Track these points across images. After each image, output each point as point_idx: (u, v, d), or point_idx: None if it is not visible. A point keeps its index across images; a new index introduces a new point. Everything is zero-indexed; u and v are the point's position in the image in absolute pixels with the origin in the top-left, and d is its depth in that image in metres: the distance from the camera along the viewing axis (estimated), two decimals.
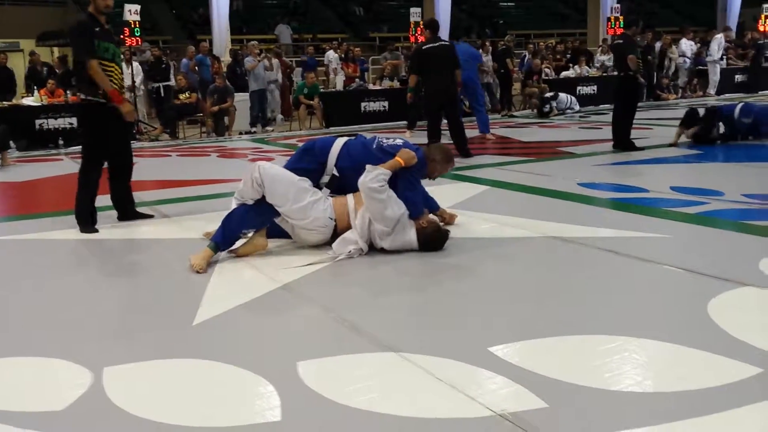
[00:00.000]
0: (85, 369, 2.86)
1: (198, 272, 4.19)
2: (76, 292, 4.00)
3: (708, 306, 3.36)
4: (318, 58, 17.28)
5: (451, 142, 8.79)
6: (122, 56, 5.45)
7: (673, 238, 4.74)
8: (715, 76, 17.43)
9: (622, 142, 8.87)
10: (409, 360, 2.86)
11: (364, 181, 4.37)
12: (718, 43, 17.26)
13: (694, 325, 3.16)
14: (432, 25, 9.32)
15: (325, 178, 4.64)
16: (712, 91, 17.33)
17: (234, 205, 4.56)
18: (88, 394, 2.66)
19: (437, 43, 9.01)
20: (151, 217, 5.75)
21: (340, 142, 4.69)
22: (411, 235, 4.44)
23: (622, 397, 2.53)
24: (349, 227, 4.48)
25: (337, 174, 4.58)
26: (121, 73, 5.55)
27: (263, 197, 4.42)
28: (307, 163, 4.72)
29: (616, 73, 9.57)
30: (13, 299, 3.93)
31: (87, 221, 5.37)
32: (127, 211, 5.71)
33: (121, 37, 13.54)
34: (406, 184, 4.53)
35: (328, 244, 4.51)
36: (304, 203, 4.41)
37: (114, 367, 2.88)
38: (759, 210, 5.39)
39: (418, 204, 4.58)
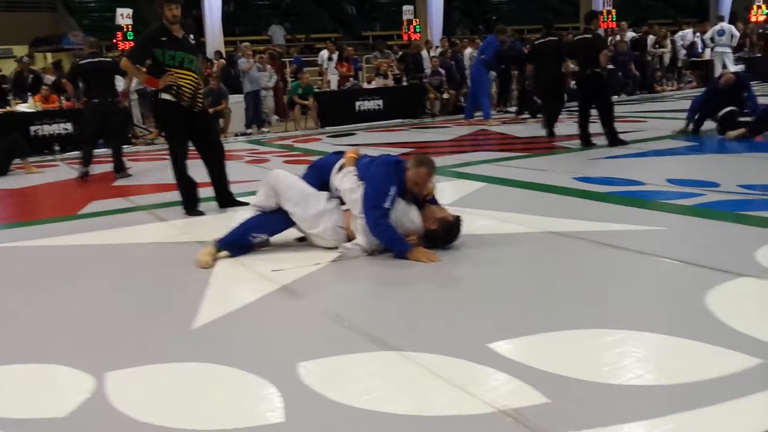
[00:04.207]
0: (88, 374, 2.86)
1: (204, 268, 4.29)
2: (76, 297, 4.00)
3: (706, 297, 3.37)
4: (311, 58, 17.28)
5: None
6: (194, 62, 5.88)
7: (669, 230, 4.76)
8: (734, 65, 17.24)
9: (613, 137, 8.72)
10: (410, 358, 2.87)
11: (342, 188, 4.48)
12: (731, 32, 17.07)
13: (692, 317, 3.17)
14: (544, 23, 11.91)
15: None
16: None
17: (250, 215, 4.65)
18: (90, 399, 2.67)
19: (546, 39, 10.68)
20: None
21: (336, 167, 4.64)
22: (416, 221, 4.43)
23: (623, 390, 2.54)
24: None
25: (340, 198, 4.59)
26: (196, 78, 5.90)
27: (279, 208, 4.49)
28: (313, 177, 4.72)
29: (577, 69, 9.21)
30: (13, 306, 3.92)
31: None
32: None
33: (114, 41, 13.55)
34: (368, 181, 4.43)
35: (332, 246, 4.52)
36: (314, 212, 4.46)
37: (116, 371, 2.88)
38: (755, 200, 5.40)
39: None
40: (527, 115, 12.80)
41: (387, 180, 4.38)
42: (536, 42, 11.05)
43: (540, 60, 10.71)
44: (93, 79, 8.68)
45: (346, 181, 4.49)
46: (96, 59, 8.75)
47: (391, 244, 4.34)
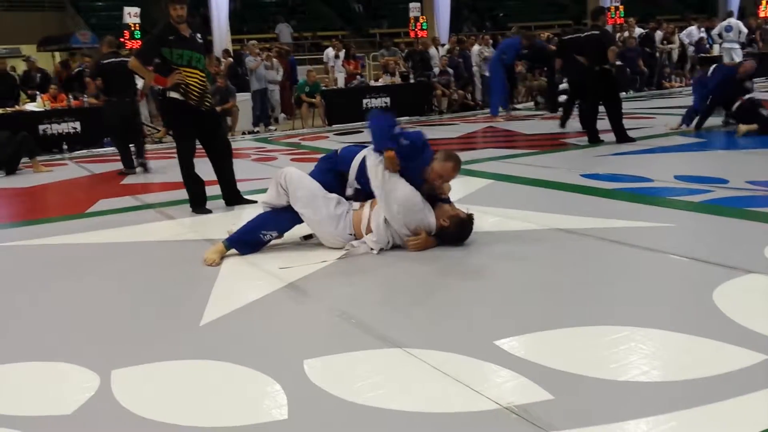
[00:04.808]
0: (93, 372, 2.87)
1: (210, 265, 4.30)
2: (83, 295, 4.01)
3: (713, 294, 3.35)
4: (318, 56, 17.27)
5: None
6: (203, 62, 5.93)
7: (677, 227, 4.73)
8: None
9: (621, 134, 8.67)
10: (415, 355, 2.86)
11: (369, 164, 4.48)
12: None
13: (699, 314, 3.16)
14: (573, 19, 12.18)
15: (349, 191, 4.62)
16: None
17: (260, 213, 4.66)
18: (96, 397, 2.68)
19: (575, 35, 10.27)
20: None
21: (359, 158, 4.61)
22: (430, 219, 4.43)
23: (629, 387, 2.53)
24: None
25: (359, 187, 4.58)
26: (204, 77, 5.92)
27: (290, 205, 4.48)
28: (326, 169, 4.70)
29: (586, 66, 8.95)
30: (20, 303, 3.94)
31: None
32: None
33: (121, 39, 13.59)
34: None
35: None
36: (323, 215, 4.44)
37: (122, 369, 2.89)
38: (764, 197, 5.38)
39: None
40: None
41: (411, 133, 4.60)
42: (565, 38, 11.13)
43: (567, 56, 10.69)
44: (115, 79, 8.69)
45: (375, 156, 4.50)
46: (119, 59, 8.80)
47: (378, 134, 4.51)
